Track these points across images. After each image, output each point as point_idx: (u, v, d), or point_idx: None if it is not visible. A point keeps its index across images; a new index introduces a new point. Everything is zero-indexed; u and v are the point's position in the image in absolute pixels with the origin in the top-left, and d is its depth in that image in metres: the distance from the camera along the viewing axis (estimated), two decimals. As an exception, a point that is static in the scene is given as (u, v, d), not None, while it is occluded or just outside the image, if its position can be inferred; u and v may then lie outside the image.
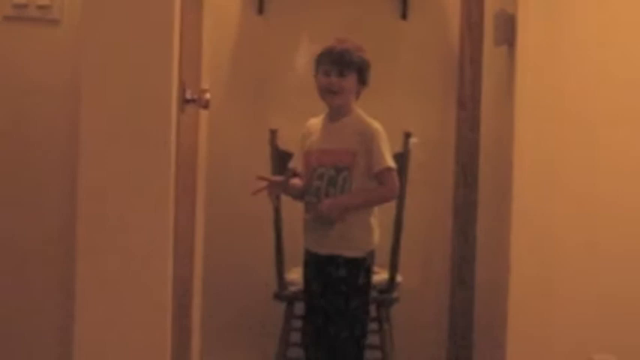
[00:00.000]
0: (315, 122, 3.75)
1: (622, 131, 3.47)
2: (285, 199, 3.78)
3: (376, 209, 3.68)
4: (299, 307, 3.90)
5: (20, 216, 3.08)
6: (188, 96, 2.79)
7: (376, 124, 3.65)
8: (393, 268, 4.00)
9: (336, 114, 3.68)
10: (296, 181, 3.66)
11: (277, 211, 3.96)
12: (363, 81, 3.67)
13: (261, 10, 4.48)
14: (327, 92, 3.65)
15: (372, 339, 3.87)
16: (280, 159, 3.93)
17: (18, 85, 3.05)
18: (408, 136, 4.01)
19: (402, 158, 3.90)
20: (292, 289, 3.98)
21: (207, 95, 2.91)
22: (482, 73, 4.23)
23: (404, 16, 4.48)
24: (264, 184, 3.61)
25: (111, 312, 2.62)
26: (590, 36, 3.45)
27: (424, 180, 4.32)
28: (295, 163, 3.72)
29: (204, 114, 3.33)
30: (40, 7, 3.06)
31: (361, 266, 3.63)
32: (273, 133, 4.06)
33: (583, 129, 3.46)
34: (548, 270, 3.48)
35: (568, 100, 3.45)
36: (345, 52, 3.63)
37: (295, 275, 3.94)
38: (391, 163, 3.62)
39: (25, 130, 3.07)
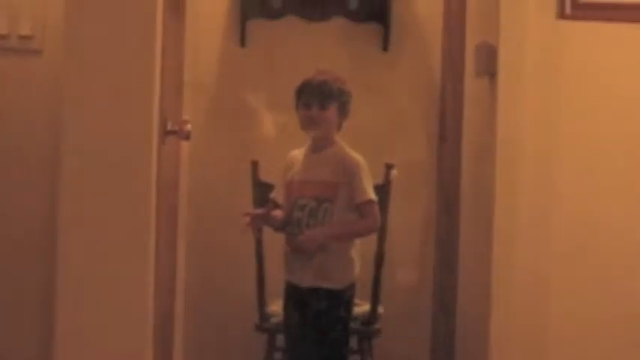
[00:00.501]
0: (298, 154, 3.75)
1: (609, 162, 3.48)
2: (266, 230, 3.77)
3: (357, 241, 3.68)
4: (280, 339, 3.88)
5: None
6: (169, 127, 2.79)
7: (357, 157, 3.66)
8: (375, 300, 3.98)
9: (317, 146, 3.68)
10: (277, 213, 3.66)
11: (259, 243, 3.95)
12: (344, 112, 3.67)
13: (243, 42, 4.48)
14: (308, 124, 3.65)
15: (354, 371, 3.86)
16: (262, 191, 3.92)
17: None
18: (389, 167, 4.01)
19: (383, 190, 3.90)
20: (274, 320, 3.95)
21: (189, 126, 2.91)
22: (464, 105, 4.25)
23: (385, 47, 4.50)
24: (248, 219, 3.60)
25: (90, 346, 2.59)
26: (572, 66, 3.46)
27: (406, 211, 4.31)
28: (276, 195, 3.71)
29: (185, 145, 3.33)
30: (22, 38, 3.06)
31: (341, 298, 3.61)
32: (255, 164, 4.05)
33: (565, 160, 3.47)
34: (531, 300, 3.48)
35: (550, 131, 3.46)
36: (324, 84, 3.63)
37: (276, 307, 3.91)
38: (372, 195, 3.62)
39: (5, 160, 3.05)
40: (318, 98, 3.61)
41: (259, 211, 3.66)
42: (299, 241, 3.58)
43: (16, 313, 3.09)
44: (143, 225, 2.59)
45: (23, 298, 3.09)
